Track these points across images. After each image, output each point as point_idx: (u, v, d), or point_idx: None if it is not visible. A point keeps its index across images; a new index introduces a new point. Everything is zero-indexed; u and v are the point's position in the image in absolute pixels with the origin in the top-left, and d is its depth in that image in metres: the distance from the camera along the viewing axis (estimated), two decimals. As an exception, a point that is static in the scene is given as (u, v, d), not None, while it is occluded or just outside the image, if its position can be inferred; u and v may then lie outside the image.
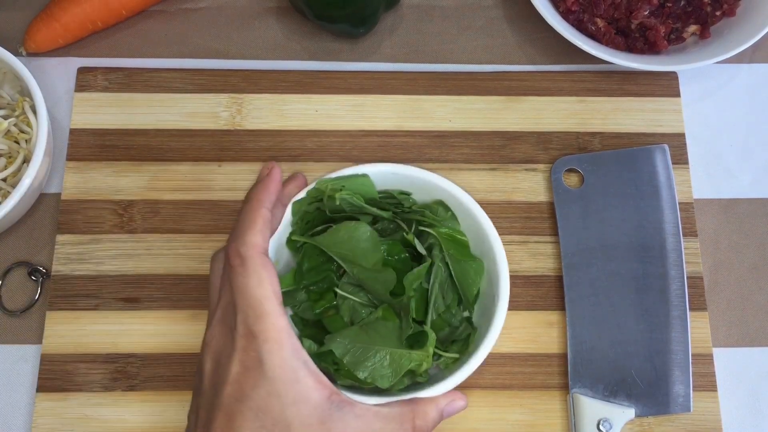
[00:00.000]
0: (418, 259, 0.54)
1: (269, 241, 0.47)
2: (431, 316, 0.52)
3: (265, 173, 0.49)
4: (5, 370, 0.56)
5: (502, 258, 0.52)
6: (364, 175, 0.54)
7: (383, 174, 0.54)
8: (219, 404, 0.42)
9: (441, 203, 0.55)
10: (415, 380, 0.52)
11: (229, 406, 0.42)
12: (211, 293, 0.47)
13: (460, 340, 0.53)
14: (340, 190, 0.52)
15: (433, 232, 0.53)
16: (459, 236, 0.54)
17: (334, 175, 0.54)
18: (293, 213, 0.54)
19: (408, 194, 0.55)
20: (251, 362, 0.42)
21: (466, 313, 0.54)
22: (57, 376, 0.55)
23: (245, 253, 0.44)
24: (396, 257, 0.53)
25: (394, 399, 0.48)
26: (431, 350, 0.50)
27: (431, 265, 0.53)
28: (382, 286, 0.51)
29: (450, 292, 0.54)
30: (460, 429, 0.55)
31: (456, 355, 0.52)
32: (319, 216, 0.54)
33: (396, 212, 0.55)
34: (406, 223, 0.55)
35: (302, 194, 0.54)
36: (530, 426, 0.55)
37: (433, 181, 0.54)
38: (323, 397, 0.43)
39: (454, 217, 0.55)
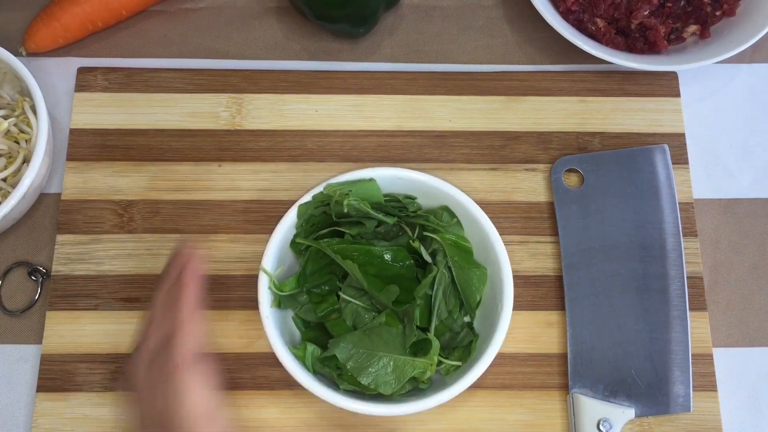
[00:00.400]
0: (422, 264, 0.54)
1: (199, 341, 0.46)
2: (435, 323, 0.52)
3: (182, 261, 0.47)
4: (5, 370, 0.56)
5: (507, 267, 0.53)
6: (371, 180, 0.54)
7: (389, 178, 0.55)
8: None
9: (446, 209, 0.55)
10: (417, 386, 0.52)
11: None
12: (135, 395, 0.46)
13: (462, 346, 0.53)
14: (347, 195, 0.52)
15: (438, 238, 0.53)
16: (463, 243, 0.54)
17: (341, 179, 0.54)
18: (299, 216, 0.54)
19: (413, 198, 0.55)
20: None
21: (467, 318, 0.54)
22: (57, 376, 0.55)
23: (176, 360, 0.43)
24: (401, 263, 0.53)
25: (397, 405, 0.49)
26: (435, 358, 0.51)
27: (437, 271, 0.53)
28: (386, 296, 0.52)
29: (452, 297, 0.54)
30: (460, 429, 0.55)
31: (458, 363, 0.52)
32: (325, 219, 0.54)
33: (401, 216, 0.55)
34: (410, 227, 0.54)
35: (308, 197, 0.54)
36: (530, 426, 0.55)
37: (439, 187, 0.54)
38: None
39: (458, 223, 0.55)
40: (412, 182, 0.55)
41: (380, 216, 0.54)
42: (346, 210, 0.52)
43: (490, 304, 0.53)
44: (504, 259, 0.53)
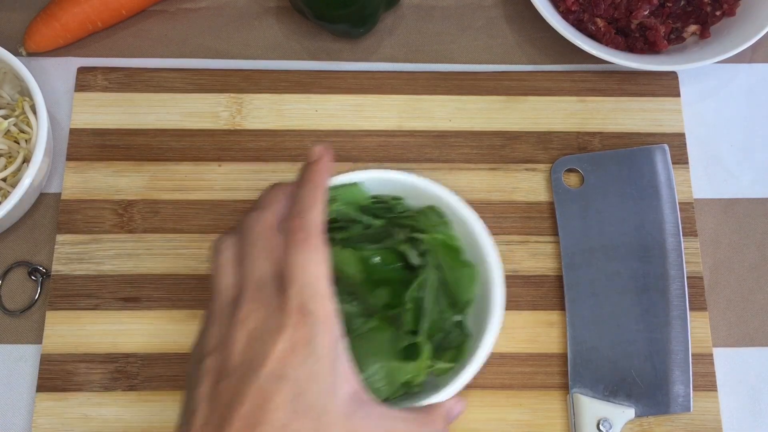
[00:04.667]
0: (412, 267, 0.53)
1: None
2: (425, 326, 0.51)
3: (317, 155, 0.47)
4: (5, 370, 0.56)
5: (497, 264, 0.52)
6: (356, 184, 0.53)
7: (375, 180, 0.54)
8: (253, 381, 0.40)
9: (434, 208, 0.54)
10: (410, 390, 0.51)
11: (267, 384, 0.40)
12: (220, 278, 0.44)
13: (454, 347, 0.52)
14: (334, 200, 0.52)
15: (426, 238, 0.52)
16: (452, 242, 0.53)
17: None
18: None
19: (400, 199, 0.55)
20: (300, 340, 0.40)
21: (459, 317, 0.54)
22: (57, 376, 0.55)
23: (309, 230, 0.43)
24: (390, 266, 0.52)
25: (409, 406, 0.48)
26: (427, 362, 0.50)
27: (425, 274, 0.52)
28: (375, 299, 0.51)
29: (443, 297, 0.53)
30: (460, 429, 0.55)
31: (451, 365, 0.51)
32: None
33: (389, 218, 0.54)
34: (398, 229, 0.54)
35: None
36: (530, 426, 0.55)
37: (425, 187, 0.54)
38: (350, 392, 0.42)
39: (447, 222, 0.54)
40: (397, 183, 0.54)
41: (368, 219, 0.53)
42: (333, 216, 0.52)
43: (482, 304, 0.53)
44: (493, 256, 0.52)
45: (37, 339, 0.57)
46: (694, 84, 0.65)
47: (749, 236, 0.61)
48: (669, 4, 0.64)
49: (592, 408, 0.54)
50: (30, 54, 0.64)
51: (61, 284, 0.57)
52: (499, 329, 0.51)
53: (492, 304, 0.51)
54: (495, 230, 0.59)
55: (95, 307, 0.57)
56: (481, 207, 0.54)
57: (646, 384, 0.56)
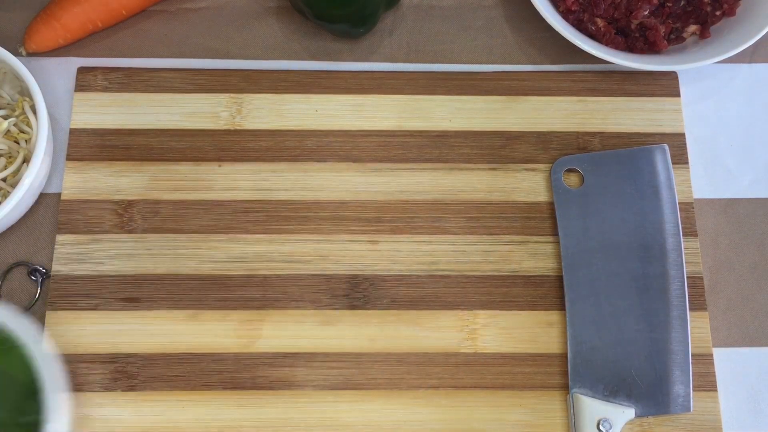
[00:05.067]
0: None
1: None
2: None
3: None
4: (5, 370, 0.57)
5: (34, 337, 0.47)
6: None
7: None
8: None
9: None
10: None
11: None
12: None
13: None
14: None
15: None
16: None
17: None
18: None
19: None
20: None
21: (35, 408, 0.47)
22: (57, 376, 0.55)
23: None
24: None
25: None
26: None
27: None
28: None
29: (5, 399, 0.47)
30: (460, 429, 0.55)
31: None
32: None
33: None
34: None
35: None
36: (530, 426, 0.55)
37: None
38: None
39: None
40: None
41: None
42: None
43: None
44: (25, 329, 0.46)
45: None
46: (694, 84, 0.65)
47: (749, 236, 0.61)
48: (669, 4, 0.64)
49: (592, 408, 0.55)
50: (30, 54, 0.64)
51: (61, 284, 0.57)
52: (61, 409, 0.46)
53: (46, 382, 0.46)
54: (495, 230, 0.60)
55: (95, 308, 0.57)
56: (481, 207, 0.54)
57: (646, 384, 0.56)
